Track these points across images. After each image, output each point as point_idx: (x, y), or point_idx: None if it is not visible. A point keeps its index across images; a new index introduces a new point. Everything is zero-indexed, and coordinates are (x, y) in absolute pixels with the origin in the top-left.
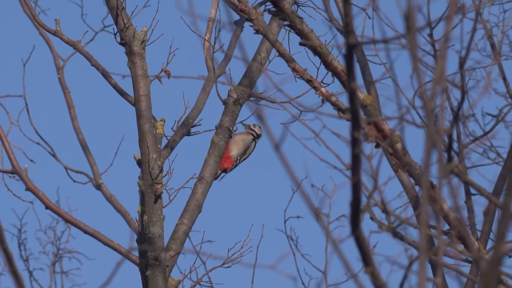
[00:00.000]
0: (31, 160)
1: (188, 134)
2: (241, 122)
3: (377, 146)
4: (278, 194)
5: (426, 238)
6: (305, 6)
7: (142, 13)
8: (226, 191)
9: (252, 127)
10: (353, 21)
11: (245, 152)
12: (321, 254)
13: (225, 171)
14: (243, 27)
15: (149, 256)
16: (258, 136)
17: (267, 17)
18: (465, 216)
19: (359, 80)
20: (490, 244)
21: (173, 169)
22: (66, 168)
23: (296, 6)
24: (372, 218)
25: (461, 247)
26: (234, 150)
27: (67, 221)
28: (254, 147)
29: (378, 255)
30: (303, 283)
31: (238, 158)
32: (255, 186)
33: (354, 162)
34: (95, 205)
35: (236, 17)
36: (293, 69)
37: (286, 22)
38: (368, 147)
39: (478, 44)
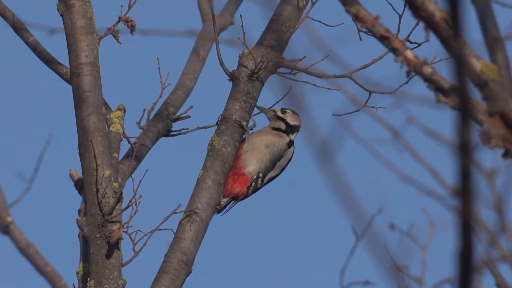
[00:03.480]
0: None
1: (168, 134)
2: (257, 107)
3: (507, 154)
4: (328, 241)
5: None
6: None
7: None
8: (234, 232)
9: (281, 114)
10: None
11: (274, 165)
12: None
13: (235, 198)
14: None
15: None
16: (292, 130)
17: None
18: None
19: (475, 36)
20: None
21: (140, 197)
22: None
23: None
24: (498, 285)
25: None
26: (252, 162)
27: None
28: (292, 154)
29: None
30: None
31: (260, 176)
32: (285, 225)
33: (464, 183)
34: (0, 261)
35: None
36: (356, 17)
37: None
38: (489, 157)
39: None
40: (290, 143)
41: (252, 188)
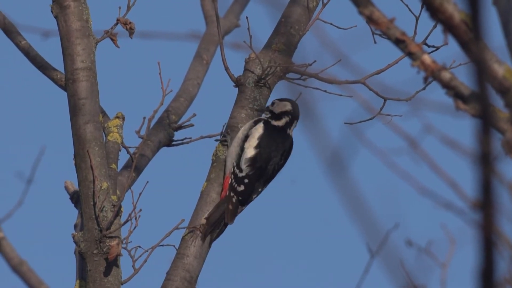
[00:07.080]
0: None
1: (170, 143)
2: (256, 109)
3: None
4: (341, 258)
5: None
6: None
7: None
8: (240, 248)
9: (270, 107)
10: None
11: (242, 149)
12: None
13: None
14: None
15: None
16: (279, 117)
17: None
18: None
19: (497, 39)
20: None
21: (140, 211)
22: None
23: None
24: None
25: None
26: (228, 163)
27: None
28: (263, 131)
29: None
30: None
31: (234, 165)
32: (294, 240)
33: (485, 196)
34: None
35: None
36: (369, 19)
37: None
38: None
39: None
40: (258, 120)
41: (234, 181)
